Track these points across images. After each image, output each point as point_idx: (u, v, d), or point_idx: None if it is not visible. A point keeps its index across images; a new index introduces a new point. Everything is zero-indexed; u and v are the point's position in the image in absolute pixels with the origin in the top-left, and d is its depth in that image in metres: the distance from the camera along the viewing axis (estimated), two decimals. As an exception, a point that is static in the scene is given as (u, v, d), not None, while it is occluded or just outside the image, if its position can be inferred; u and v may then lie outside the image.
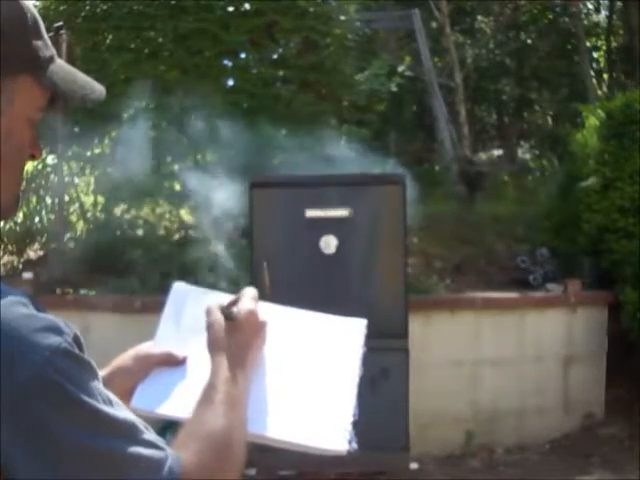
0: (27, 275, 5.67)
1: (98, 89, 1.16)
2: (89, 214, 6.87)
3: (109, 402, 1.00)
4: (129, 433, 1.00)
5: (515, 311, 5.88)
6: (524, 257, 6.47)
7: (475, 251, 6.76)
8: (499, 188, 8.75)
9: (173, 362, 1.34)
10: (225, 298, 1.39)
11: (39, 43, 1.10)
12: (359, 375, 1.33)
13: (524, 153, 12.45)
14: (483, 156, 11.13)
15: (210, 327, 1.26)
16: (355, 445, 1.25)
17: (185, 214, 6.68)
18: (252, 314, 1.28)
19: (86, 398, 0.97)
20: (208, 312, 1.28)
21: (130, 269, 5.70)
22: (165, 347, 1.36)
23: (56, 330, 0.98)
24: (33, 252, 6.68)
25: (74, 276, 5.86)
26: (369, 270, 4.58)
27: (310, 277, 4.47)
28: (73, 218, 6.90)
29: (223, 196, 4.78)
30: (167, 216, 6.79)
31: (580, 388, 6.02)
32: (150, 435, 1.02)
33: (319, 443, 1.24)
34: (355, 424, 1.28)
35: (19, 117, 1.08)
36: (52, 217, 6.67)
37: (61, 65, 1.14)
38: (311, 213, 4.50)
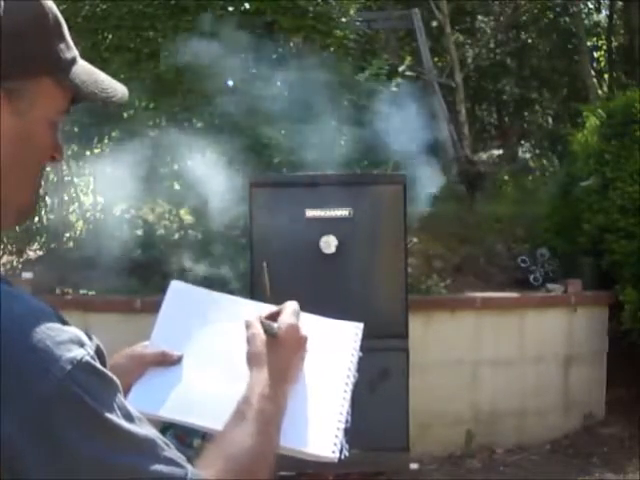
0: (27, 275, 5.66)
1: (120, 91, 1.14)
2: (88, 214, 6.87)
3: (130, 417, 0.99)
4: (149, 450, 0.99)
5: (515, 311, 5.87)
6: (524, 257, 6.46)
7: (475, 251, 6.76)
8: (499, 188, 8.74)
9: (168, 361, 1.33)
10: (222, 297, 1.38)
11: (61, 45, 1.08)
12: (354, 380, 1.31)
13: (524, 153, 12.44)
14: (483, 156, 11.10)
15: (251, 341, 1.24)
16: (346, 453, 1.24)
17: (185, 214, 6.67)
18: (294, 329, 1.25)
19: (106, 413, 0.96)
20: (248, 325, 1.26)
21: (130, 269, 5.69)
22: (161, 346, 1.34)
23: (78, 343, 0.97)
24: (33, 252, 6.68)
25: (74, 276, 5.85)
26: (369, 270, 4.57)
27: (310, 277, 4.46)
28: (72, 218, 6.90)
29: (223, 196, 4.77)
30: (167, 216, 6.78)
31: (580, 388, 6.01)
32: (171, 452, 1.01)
33: (310, 449, 1.24)
34: (355, 425, 1.27)
35: (40, 119, 1.07)
36: (52, 217, 6.67)
37: (84, 66, 1.12)
38: (311, 213, 4.49)
